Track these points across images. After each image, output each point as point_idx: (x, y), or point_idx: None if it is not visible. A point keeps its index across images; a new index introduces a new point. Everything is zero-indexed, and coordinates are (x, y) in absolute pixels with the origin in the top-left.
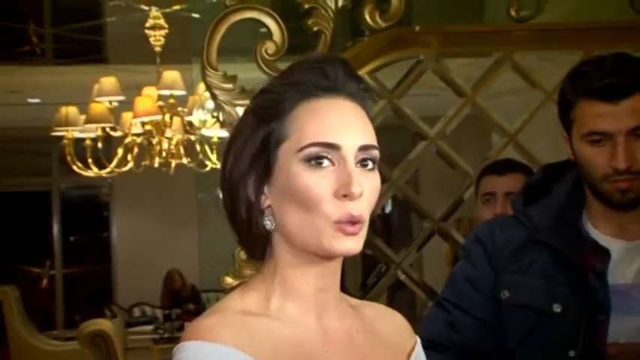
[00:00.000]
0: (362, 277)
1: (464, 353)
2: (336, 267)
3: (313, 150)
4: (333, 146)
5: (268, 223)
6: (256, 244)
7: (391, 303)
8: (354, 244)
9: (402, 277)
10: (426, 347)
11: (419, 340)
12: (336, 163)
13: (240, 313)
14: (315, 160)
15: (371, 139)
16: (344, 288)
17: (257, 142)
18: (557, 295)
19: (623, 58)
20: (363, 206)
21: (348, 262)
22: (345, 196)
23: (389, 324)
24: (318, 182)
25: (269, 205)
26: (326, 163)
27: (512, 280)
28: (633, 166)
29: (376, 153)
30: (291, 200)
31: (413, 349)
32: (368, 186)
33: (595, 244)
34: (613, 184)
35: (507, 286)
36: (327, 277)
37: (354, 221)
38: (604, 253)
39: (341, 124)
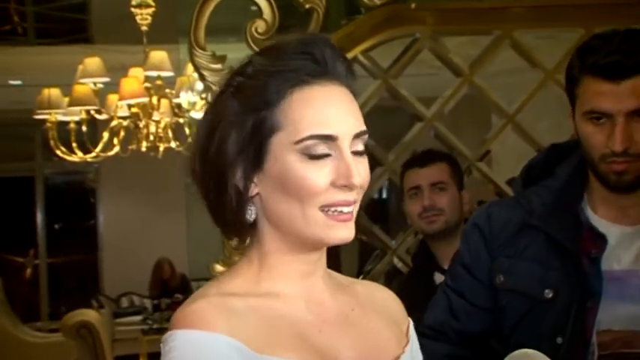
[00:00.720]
0: (358, 264)
1: (462, 340)
2: (322, 252)
3: (311, 142)
4: (330, 137)
5: (249, 214)
6: (244, 232)
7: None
8: (347, 232)
9: (399, 264)
10: (424, 334)
11: (411, 321)
12: (332, 153)
13: (228, 295)
14: (312, 152)
15: (362, 124)
16: (340, 273)
17: (246, 128)
18: (549, 281)
19: (633, 36)
20: (358, 192)
21: (344, 248)
22: (343, 186)
23: (382, 300)
24: (317, 174)
25: (257, 194)
26: (323, 154)
27: (507, 264)
28: (631, 148)
29: (366, 137)
30: (284, 190)
31: (408, 329)
32: (362, 172)
33: (592, 229)
34: (609, 165)
35: (502, 271)
36: (314, 262)
37: (348, 204)
38: (600, 239)
39: (336, 113)
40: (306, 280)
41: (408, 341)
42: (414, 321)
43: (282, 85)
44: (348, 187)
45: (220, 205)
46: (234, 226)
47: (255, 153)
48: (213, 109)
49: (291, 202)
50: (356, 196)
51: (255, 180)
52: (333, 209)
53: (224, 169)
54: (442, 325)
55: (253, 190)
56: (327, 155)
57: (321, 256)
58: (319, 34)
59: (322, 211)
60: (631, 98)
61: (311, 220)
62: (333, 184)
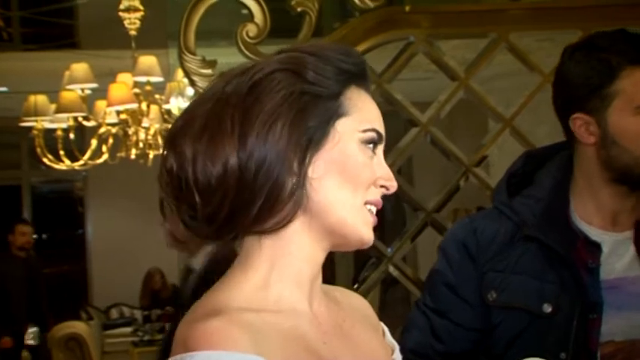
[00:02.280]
0: (354, 272)
1: None
2: (324, 259)
3: (373, 135)
4: (380, 137)
5: (303, 194)
6: (285, 215)
7: (384, 300)
8: (372, 235)
9: (395, 273)
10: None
11: (385, 326)
12: (376, 150)
13: (242, 310)
14: (371, 144)
15: None
16: (335, 283)
17: (315, 108)
18: (547, 294)
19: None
20: None
21: (339, 255)
22: (383, 187)
23: (361, 308)
24: (371, 166)
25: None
26: (372, 148)
27: (498, 279)
28: None
29: None
30: (341, 174)
31: (384, 332)
32: None
33: (586, 238)
34: None
35: (494, 287)
36: (320, 265)
37: (380, 206)
38: (595, 248)
39: (380, 118)
40: (313, 284)
41: (392, 349)
42: None
43: (346, 75)
44: (387, 188)
45: (273, 186)
46: (274, 214)
47: (321, 130)
48: (260, 84)
49: (345, 188)
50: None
51: (312, 164)
52: (369, 207)
53: (288, 147)
54: (424, 348)
55: (308, 174)
56: (374, 149)
57: (321, 265)
58: (352, 48)
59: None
60: None
61: (359, 211)
62: (375, 184)
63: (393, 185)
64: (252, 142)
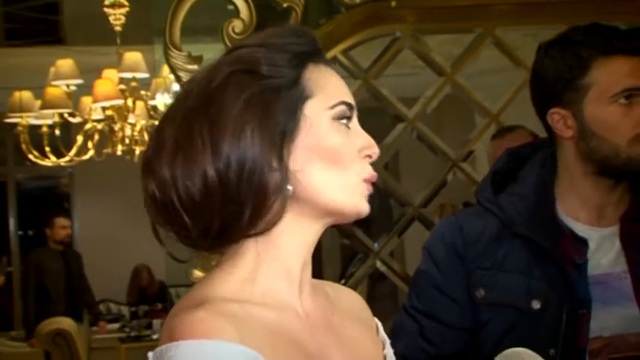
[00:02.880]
0: (341, 267)
1: None
2: (316, 240)
3: (343, 108)
4: (351, 107)
5: (290, 189)
6: (276, 213)
7: (371, 295)
8: (368, 206)
9: (383, 268)
10: None
11: (379, 322)
12: (351, 122)
13: (227, 301)
14: (345, 119)
15: None
16: (322, 278)
17: (278, 101)
18: (535, 291)
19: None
20: None
21: (326, 251)
22: (367, 156)
23: (352, 304)
24: (349, 141)
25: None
26: (346, 122)
27: (486, 277)
28: None
29: None
30: (321, 158)
31: (377, 328)
32: None
33: (573, 234)
34: None
35: (482, 284)
36: (311, 249)
37: (373, 180)
38: (582, 244)
39: (345, 88)
40: (303, 274)
41: (384, 344)
42: None
43: (301, 57)
44: (371, 157)
45: (253, 193)
46: (262, 213)
47: (290, 121)
48: (219, 92)
49: (329, 169)
50: None
51: (290, 155)
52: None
53: (262, 147)
54: (416, 352)
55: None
56: (348, 122)
57: (312, 248)
58: (303, 26)
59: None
60: None
61: (348, 187)
62: (359, 154)
63: (374, 151)
64: (227, 151)
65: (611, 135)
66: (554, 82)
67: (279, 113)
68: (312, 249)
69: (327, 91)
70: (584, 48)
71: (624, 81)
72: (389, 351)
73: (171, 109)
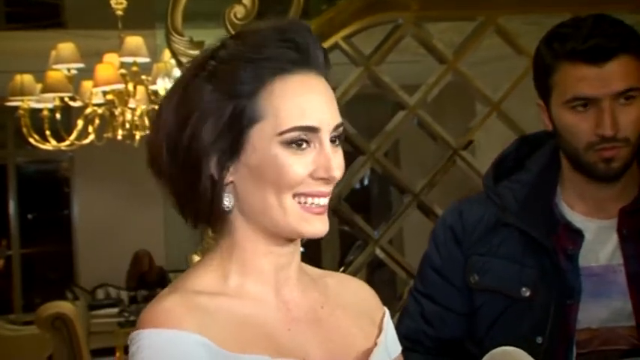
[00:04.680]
0: (340, 254)
1: (439, 346)
2: (296, 244)
3: (294, 134)
4: (312, 129)
5: (227, 202)
6: (218, 222)
7: (370, 282)
8: (322, 226)
9: (382, 255)
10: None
11: (387, 310)
12: (312, 144)
13: (198, 293)
14: (295, 143)
15: (339, 116)
16: (320, 265)
17: (224, 117)
18: (526, 279)
19: (604, 19)
20: (333, 185)
21: (325, 239)
22: (322, 179)
23: (353, 294)
24: (297, 164)
25: (231, 181)
26: (304, 145)
27: (480, 262)
28: (619, 132)
29: (342, 129)
30: (262, 181)
31: (382, 319)
32: (340, 164)
33: (568, 225)
34: (598, 153)
35: (476, 270)
36: (287, 255)
37: (324, 196)
38: (577, 235)
39: (317, 105)
40: (279, 274)
41: (380, 331)
42: None
43: (263, 73)
44: (328, 179)
45: (194, 195)
46: (208, 217)
47: (234, 142)
48: (184, 94)
49: (267, 192)
50: (331, 190)
51: (230, 168)
52: (309, 201)
53: (199, 157)
54: (416, 333)
55: (228, 178)
56: (307, 146)
57: (295, 249)
58: (299, 21)
59: (298, 202)
60: (615, 80)
61: (287, 211)
62: (312, 176)
63: (331, 175)
64: (180, 148)
65: (570, 138)
66: (535, 74)
67: (223, 132)
68: (288, 253)
69: (280, 115)
70: (553, 48)
71: (576, 88)
72: (385, 340)
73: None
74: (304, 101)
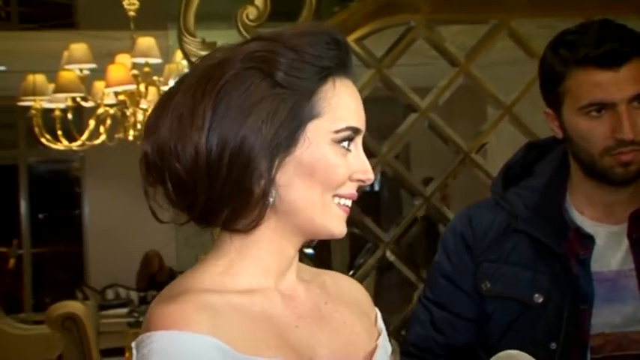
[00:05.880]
0: (349, 257)
1: (449, 354)
2: (297, 251)
3: (347, 134)
4: (358, 131)
5: (272, 198)
6: (254, 218)
7: (379, 284)
8: (344, 227)
9: (392, 257)
10: (408, 353)
11: (378, 311)
12: (352, 147)
13: (206, 291)
14: (346, 142)
15: None
16: (331, 268)
17: (284, 111)
18: (538, 285)
19: (609, 25)
20: None
21: (335, 241)
22: (360, 180)
23: (350, 291)
24: (345, 165)
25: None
26: (347, 144)
27: (492, 269)
28: (638, 136)
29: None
30: (311, 177)
31: (376, 320)
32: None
33: (578, 230)
34: (616, 157)
35: (488, 277)
36: (292, 259)
37: (354, 198)
38: (588, 240)
39: (358, 108)
40: (286, 273)
41: (379, 333)
42: None
43: (322, 72)
44: (364, 182)
45: (239, 194)
46: (246, 215)
47: (290, 137)
48: (230, 85)
49: (315, 189)
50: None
51: (281, 164)
52: (342, 202)
53: (256, 151)
54: (426, 341)
55: (276, 174)
56: (349, 144)
57: (298, 250)
58: (333, 26)
59: (336, 203)
60: (631, 84)
61: (327, 209)
62: (350, 177)
63: (369, 178)
64: (222, 139)
65: (585, 144)
66: (543, 82)
67: (281, 125)
68: (293, 256)
69: (336, 113)
70: (562, 55)
71: (591, 94)
72: (383, 342)
73: (182, 80)
74: (354, 103)
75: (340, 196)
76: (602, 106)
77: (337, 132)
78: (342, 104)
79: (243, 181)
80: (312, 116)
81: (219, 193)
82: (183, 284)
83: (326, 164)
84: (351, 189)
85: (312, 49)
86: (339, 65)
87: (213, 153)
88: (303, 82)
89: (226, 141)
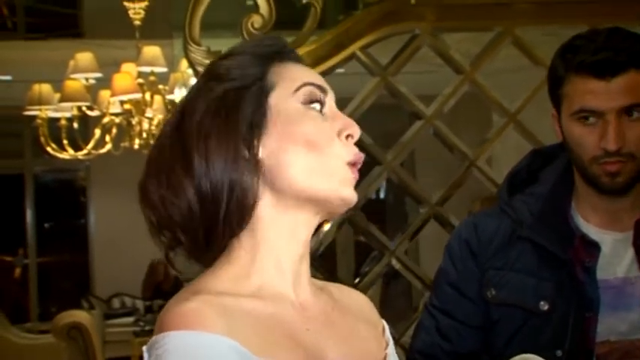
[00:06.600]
0: (355, 265)
1: None
2: (310, 233)
3: (309, 89)
4: (322, 89)
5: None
6: (242, 222)
7: (386, 293)
8: (354, 193)
9: (398, 265)
10: None
11: (385, 323)
12: (326, 110)
13: (220, 294)
14: (312, 102)
15: None
16: (336, 276)
17: (246, 104)
18: (543, 292)
19: (618, 33)
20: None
21: (341, 249)
22: (349, 136)
23: (356, 302)
24: (323, 124)
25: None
26: (319, 107)
27: (497, 276)
28: (624, 147)
29: None
30: (296, 145)
31: (383, 332)
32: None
33: (584, 237)
34: (602, 167)
35: (493, 284)
36: (307, 243)
37: (359, 162)
38: (594, 247)
39: (312, 72)
40: (298, 267)
41: (387, 343)
42: None
43: (267, 57)
44: (352, 137)
45: (228, 191)
46: (236, 218)
47: (257, 115)
48: (189, 104)
49: (308, 155)
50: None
51: (260, 145)
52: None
53: (233, 158)
54: (432, 348)
55: (259, 155)
56: (322, 107)
57: (309, 240)
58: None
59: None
60: (622, 95)
61: (333, 172)
62: (339, 136)
63: (355, 130)
64: (199, 170)
65: (578, 150)
66: (549, 84)
67: (244, 109)
68: (306, 242)
69: (289, 78)
70: (565, 60)
71: (583, 100)
72: (391, 351)
73: (159, 134)
74: (303, 70)
75: (346, 162)
76: (592, 114)
77: (297, 89)
78: (293, 73)
79: (235, 188)
80: (268, 90)
81: (215, 211)
82: (198, 287)
83: (303, 125)
84: (349, 150)
85: (245, 46)
86: (280, 50)
87: (199, 186)
88: (250, 70)
89: (200, 164)
